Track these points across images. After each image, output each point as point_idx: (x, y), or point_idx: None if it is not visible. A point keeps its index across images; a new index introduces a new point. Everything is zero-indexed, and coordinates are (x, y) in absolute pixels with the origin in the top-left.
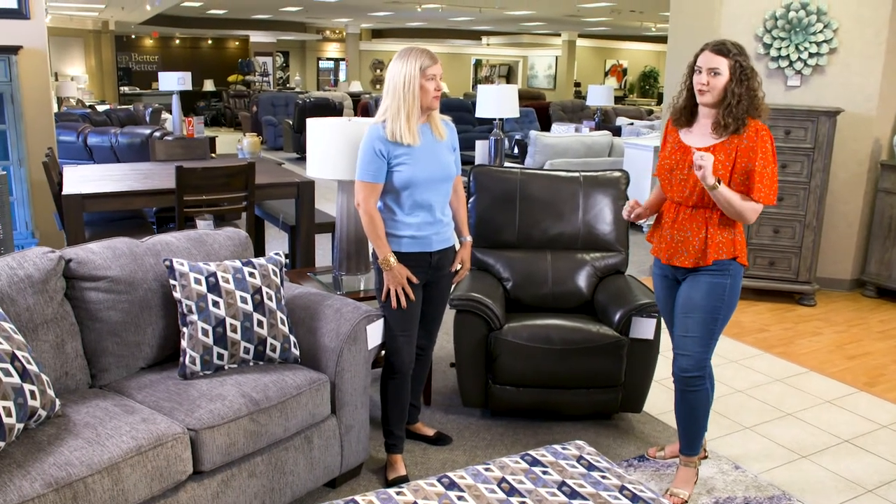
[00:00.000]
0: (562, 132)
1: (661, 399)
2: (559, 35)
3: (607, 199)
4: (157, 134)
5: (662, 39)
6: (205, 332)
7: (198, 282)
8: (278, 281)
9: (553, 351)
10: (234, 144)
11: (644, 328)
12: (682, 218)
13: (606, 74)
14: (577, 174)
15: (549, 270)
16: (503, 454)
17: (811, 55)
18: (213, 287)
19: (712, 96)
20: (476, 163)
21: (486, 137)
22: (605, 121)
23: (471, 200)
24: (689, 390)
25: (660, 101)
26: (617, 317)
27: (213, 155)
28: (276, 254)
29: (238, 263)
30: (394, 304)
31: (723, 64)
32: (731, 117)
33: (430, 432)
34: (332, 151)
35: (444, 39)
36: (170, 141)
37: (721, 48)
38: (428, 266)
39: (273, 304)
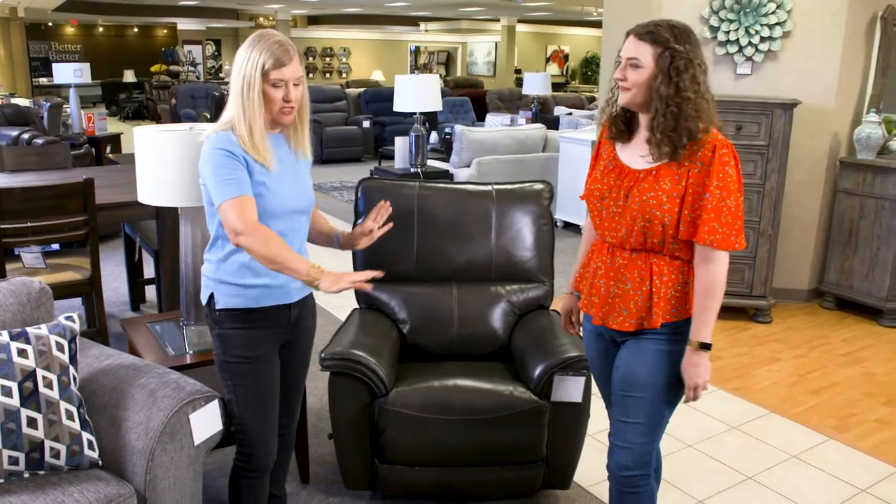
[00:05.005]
0: (496, 124)
1: (594, 462)
2: (498, 20)
3: (526, 217)
4: (26, 136)
5: None
6: None
7: None
8: (65, 357)
9: (454, 422)
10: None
11: (570, 389)
12: (619, 265)
13: (548, 60)
14: (488, 187)
15: (454, 308)
16: None
17: (763, 39)
18: None
19: (631, 95)
20: (396, 161)
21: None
22: (542, 110)
23: (359, 221)
24: (629, 492)
25: None
26: (536, 373)
27: (112, 156)
28: (68, 317)
29: (5, 337)
30: (365, 283)
31: (646, 53)
32: (659, 132)
33: None
34: (167, 170)
35: (380, 26)
36: (21, 148)
37: (647, 32)
38: (286, 322)
39: (54, 394)
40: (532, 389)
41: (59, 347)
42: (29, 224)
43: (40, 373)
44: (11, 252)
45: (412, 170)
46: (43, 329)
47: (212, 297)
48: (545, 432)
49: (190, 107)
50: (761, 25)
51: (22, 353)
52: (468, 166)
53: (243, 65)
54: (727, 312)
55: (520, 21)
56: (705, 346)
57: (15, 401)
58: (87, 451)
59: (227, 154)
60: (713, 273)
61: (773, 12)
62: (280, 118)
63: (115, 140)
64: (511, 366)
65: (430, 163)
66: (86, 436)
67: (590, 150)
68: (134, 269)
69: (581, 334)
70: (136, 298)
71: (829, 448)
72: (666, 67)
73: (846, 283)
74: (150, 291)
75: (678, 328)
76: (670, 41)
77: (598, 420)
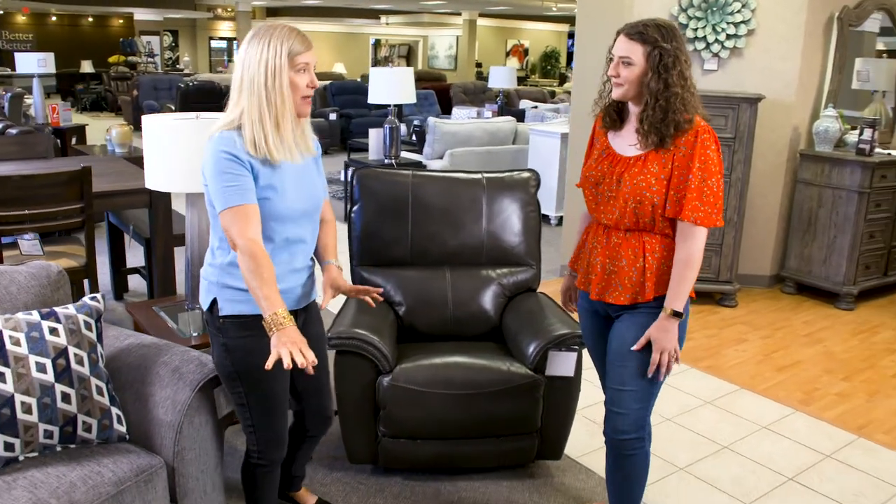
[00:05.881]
0: (463, 117)
1: (582, 436)
2: (459, 14)
3: (515, 204)
4: (0, 125)
5: (564, 19)
6: None
7: None
8: (93, 336)
9: (455, 396)
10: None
11: (563, 364)
12: (614, 244)
13: (508, 55)
14: (478, 176)
15: (448, 291)
16: None
17: (729, 37)
18: None
19: (624, 91)
20: (370, 153)
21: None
22: (507, 104)
23: (354, 209)
24: (626, 454)
25: (561, 82)
26: (531, 350)
27: (97, 147)
28: (93, 297)
29: (35, 316)
30: (287, 363)
31: (636, 52)
32: (648, 123)
33: (311, 502)
34: (175, 157)
35: (341, 18)
36: (2, 137)
37: (637, 32)
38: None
39: (84, 370)
40: (527, 365)
41: (87, 326)
42: (27, 212)
43: (72, 350)
44: None
45: (386, 161)
46: (70, 309)
47: (214, 302)
48: (540, 405)
49: (153, 98)
50: (727, 23)
51: (53, 331)
52: (441, 158)
53: (263, 55)
54: (696, 297)
55: (481, 15)
56: (677, 315)
57: (49, 376)
58: (116, 426)
59: (232, 158)
60: (692, 247)
61: (738, 11)
62: (302, 108)
63: (79, 131)
64: (503, 345)
65: (403, 154)
66: (115, 410)
67: (559, 142)
68: (117, 258)
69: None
70: (119, 287)
71: (796, 419)
72: (655, 65)
73: (805, 268)
74: (132, 281)
75: None
76: (659, 40)
77: (585, 398)
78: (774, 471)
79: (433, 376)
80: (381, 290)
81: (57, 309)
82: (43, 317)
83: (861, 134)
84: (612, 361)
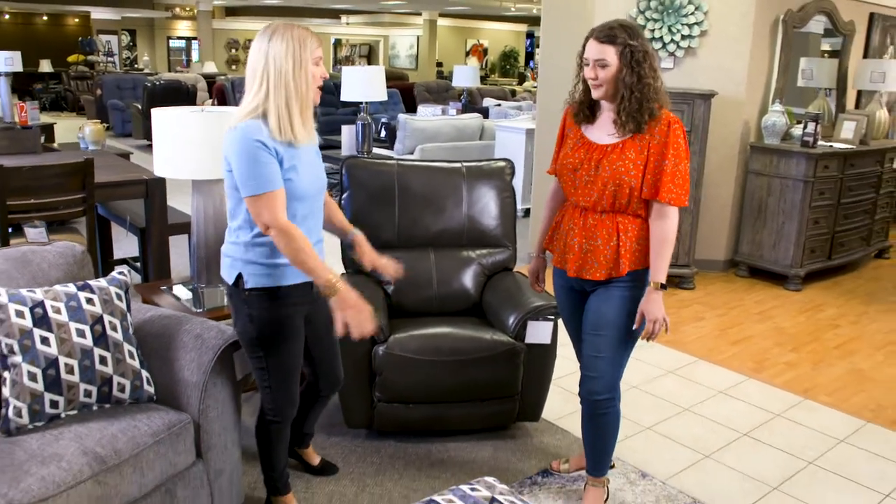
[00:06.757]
0: (429, 115)
1: (557, 402)
2: (420, 14)
3: (492, 191)
4: None
5: (522, 20)
6: (32, 377)
7: (20, 314)
8: (124, 306)
9: (444, 363)
10: (76, 132)
11: (540, 332)
12: (591, 224)
13: (468, 54)
14: (458, 165)
15: (433, 271)
16: (395, 481)
17: (683, 37)
18: (41, 320)
19: (604, 90)
20: (343, 149)
21: (351, 121)
22: (471, 102)
23: (344, 196)
24: (600, 413)
25: (521, 81)
26: (511, 320)
27: (56, 145)
28: (121, 272)
29: (72, 288)
30: (356, 334)
31: (610, 53)
32: (625, 114)
33: (316, 461)
34: (183, 147)
35: (302, 18)
36: None
37: (606, 35)
38: (311, 298)
39: (118, 336)
40: (509, 334)
41: (118, 297)
42: (33, 201)
43: (106, 318)
44: None
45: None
46: (102, 282)
47: (239, 277)
48: (520, 371)
49: (117, 98)
50: (682, 25)
51: (89, 301)
52: (412, 153)
53: (289, 48)
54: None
55: (441, 15)
56: (663, 287)
57: (88, 341)
58: (146, 386)
59: (262, 146)
60: (668, 226)
61: (692, 13)
62: (315, 97)
63: (48, 130)
64: (484, 319)
65: (374, 150)
66: (144, 373)
67: (524, 137)
68: (105, 249)
69: (544, 290)
70: None
71: (750, 385)
72: (628, 61)
73: (757, 253)
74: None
75: (639, 276)
76: (627, 39)
77: (559, 369)
78: (731, 428)
79: (424, 345)
80: (401, 269)
81: (90, 282)
82: (79, 288)
83: (805, 128)
84: (587, 331)
